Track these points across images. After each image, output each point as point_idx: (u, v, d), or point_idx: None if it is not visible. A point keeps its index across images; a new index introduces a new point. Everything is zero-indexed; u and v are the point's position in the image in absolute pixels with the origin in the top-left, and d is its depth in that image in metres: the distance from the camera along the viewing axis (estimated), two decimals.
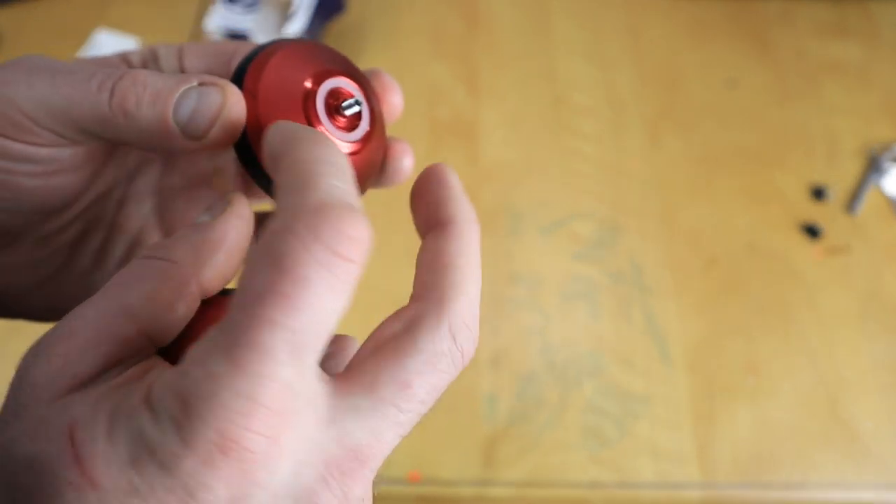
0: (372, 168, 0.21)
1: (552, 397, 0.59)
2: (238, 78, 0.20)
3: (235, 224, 0.18)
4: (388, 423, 0.15)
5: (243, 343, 0.13)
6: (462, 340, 0.16)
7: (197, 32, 0.81)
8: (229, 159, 0.25)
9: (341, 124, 0.20)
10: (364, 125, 0.20)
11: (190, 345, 0.15)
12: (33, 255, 0.22)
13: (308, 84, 0.20)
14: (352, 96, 0.20)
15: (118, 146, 0.23)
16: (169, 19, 0.83)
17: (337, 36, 0.81)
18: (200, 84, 0.19)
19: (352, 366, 0.16)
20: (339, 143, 0.19)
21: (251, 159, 0.19)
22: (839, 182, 0.70)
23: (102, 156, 0.22)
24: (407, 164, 0.23)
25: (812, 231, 0.67)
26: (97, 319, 0.16)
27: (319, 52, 0.21)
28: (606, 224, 0.68)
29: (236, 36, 0.75)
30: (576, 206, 0.69)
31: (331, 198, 0.14)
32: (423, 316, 0.16)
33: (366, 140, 0.20)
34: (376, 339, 0.17)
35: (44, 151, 0.19)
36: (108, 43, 0.80)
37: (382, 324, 0.17)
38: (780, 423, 0.58)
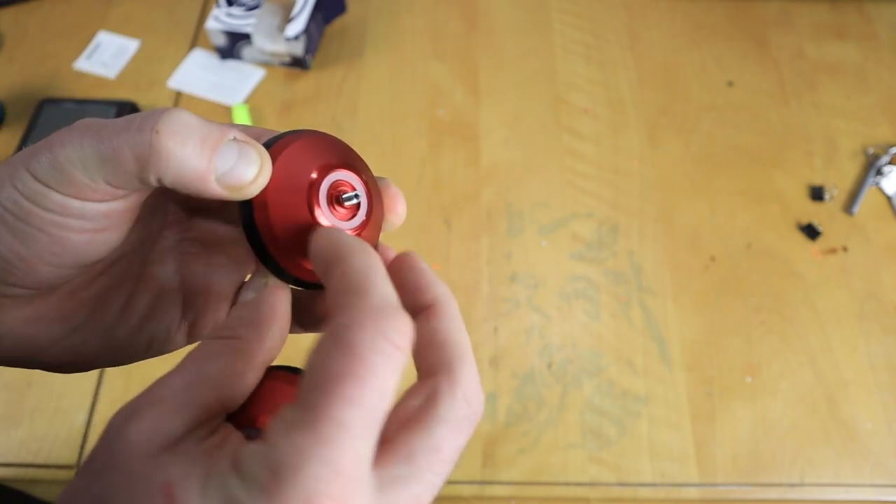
0: (376, 231, 0.24)
1: (552, 397, 0.59)
2: None
3: (281, 297, 0.21)
4: (424, 487, 0.18)
5: (325, 419, 0.15)
6: (474, 402, 0.19)
7: (198, 34, 0.82)
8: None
9: (341, 214, 0.22)
10: (361, 215, 0.23)
11: (254, 409, 0.19)
12: (62, 308, 0.23)
13: (314, 175, 0.22)
14: (352, 189, 0.22)
15: (146, 208, 0.25)
16: (170, 20, 0.83)
17: (337, 36, 0.81)
18: (237, 138, 0.20)
19: (384, 440, 0.18)
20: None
21: (255, 236, 0.21)
22: (838, 182, 0.71)
23: (136, 214, 0.23)
24: (390, 255, 0.24)
25: (811, 231, 0.67)
26: (183, 388, 0.18)
27: (329, 146, 0.23)
28: (606, 224, 0.68)
29: (236, 36, 0.76)
30: (575, 206, 0.69)
31: (386, 300, 0.17)
32: (439, 389, 0.19)
33: (362, 227, 0.23)
34: (399, 414, 0.19)
35: (97, 208, 0.20)
36: (109, 44, 0.80)
37: (401, 400, 0.19)
38: (778, 422, 0.58)
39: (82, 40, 0.81)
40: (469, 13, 0.84)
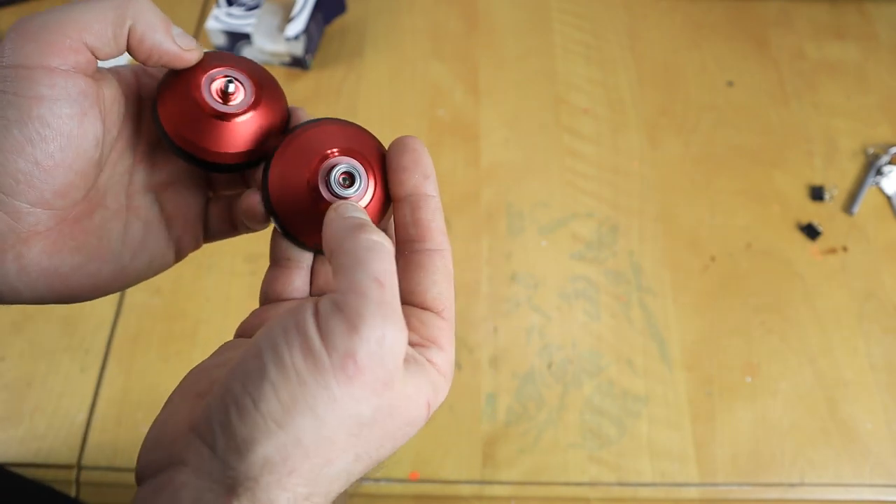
0: (381, 210, 0.28)
1: (551, 397, 0.59)
2: (267, 163, 0.28)
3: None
4: None
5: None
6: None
7: (198, 34, 0.82)
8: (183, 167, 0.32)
9: (340, 188, 0.27)
10: (361, 186, 0.27)
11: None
12: (75, 237, 0.27)
13: (310, 169, 0.27)
14: (350, 170, 0.27)
15: (120, 146, 0.29)
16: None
17: (337, 36, 0.81)
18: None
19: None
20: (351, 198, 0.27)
21: (278, 220, 0.28)
22: (838, 182, 0.71)
23: (105, 108, 0.27)
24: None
25: (811, 231, 0.67)
26: None
27: (344, 135, 0.28)
28: (606, 224, 0.68)
29: (236, 36, 0.76)
30: (575, 206, 0.69)
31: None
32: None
33: (371, 197, 0.27)
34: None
35: (78, 84, 0.24)
36: None
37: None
38: (778, 422, 0.58)
39: None
40: (469, 13, 0.84)
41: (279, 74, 0.78)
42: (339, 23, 0.83)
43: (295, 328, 0.20)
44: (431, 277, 0.25)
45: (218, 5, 0.77)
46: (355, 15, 0.83)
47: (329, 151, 0.27)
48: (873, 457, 0.57)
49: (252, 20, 0.76)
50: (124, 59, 0.80)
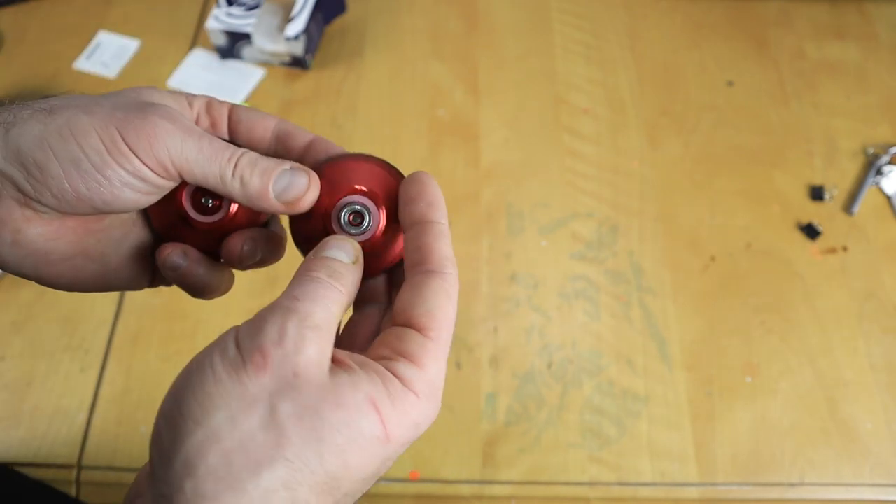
0: (385, 252, 0.29)
1: (551, 397, 0.59)
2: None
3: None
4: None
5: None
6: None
7: (198, 33, 0.82)
8: None
9: (350, 228, 0.29)
10: (371, 223, 0.29)
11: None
12: (76, 231, 0.28)
13: (326, 207, 0.29)
14: (359, 209, 0.28)
15: None
16: (170, 20, 0.83)
17: (337, 36, 0.81)
18: (292, 167, 0.27)
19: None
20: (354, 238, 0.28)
21: (301, 250, 0.30)
22: (838, 182, 0.71)
23: None
24: None
25: (811, 231, 0.67)
26: (328, 319, 0.24)
27: (352, 171, 0.29)
28: (606, 224, 0.68)
29: (236, 36, 0.76)
30: (575, 206, 0.69)
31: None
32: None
33: (376, 232, 0.29)
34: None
35: (162, 181, 0.26)
36: (109, 44, 0.80)
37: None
38: (778, 422, 0.58)
39: (82, 40, 0.81)
40: (469, 13, 0.84)
41: (279, 74, 0.78)
42: (339, 23, 0.83)
43: (219, 342, 0.22)
44: (421, 296, 0.25)
45: (218, 5, 0.77)
46: (355, 15, 0.83)
47: (349, 187, 0.29)
48: (873, 457, 0.57)
49: (252, 20, 0.76)
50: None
